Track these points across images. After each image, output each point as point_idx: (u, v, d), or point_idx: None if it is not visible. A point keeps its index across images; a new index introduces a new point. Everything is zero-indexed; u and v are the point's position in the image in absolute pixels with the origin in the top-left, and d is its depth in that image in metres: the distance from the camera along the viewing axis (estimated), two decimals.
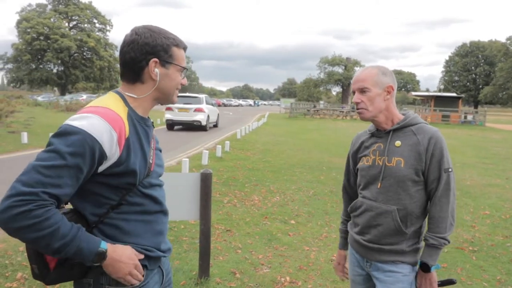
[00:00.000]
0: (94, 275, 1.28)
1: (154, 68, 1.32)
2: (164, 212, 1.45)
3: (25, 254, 4.00)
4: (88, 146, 1.15)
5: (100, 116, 1.19)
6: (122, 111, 1.27)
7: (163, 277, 1.49)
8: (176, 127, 17.93)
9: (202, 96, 18.65)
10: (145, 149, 1.32)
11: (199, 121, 17.13)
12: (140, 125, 1.33)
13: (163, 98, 1.40)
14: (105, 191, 1.26)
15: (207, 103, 18.31)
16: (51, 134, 1.20)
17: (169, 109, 17.28)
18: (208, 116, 17.76)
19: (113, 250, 1.23)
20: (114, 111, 1.24)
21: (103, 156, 1.18)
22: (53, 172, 1.11)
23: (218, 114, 20.31)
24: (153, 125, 1.44)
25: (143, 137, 1.33)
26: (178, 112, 17.14)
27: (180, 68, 1.39)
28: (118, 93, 1.35)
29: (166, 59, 1.34)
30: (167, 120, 17.43)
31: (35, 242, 1.14)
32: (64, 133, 1.16)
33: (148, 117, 1.41)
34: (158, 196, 1.39)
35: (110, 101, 1.29)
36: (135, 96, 1.34)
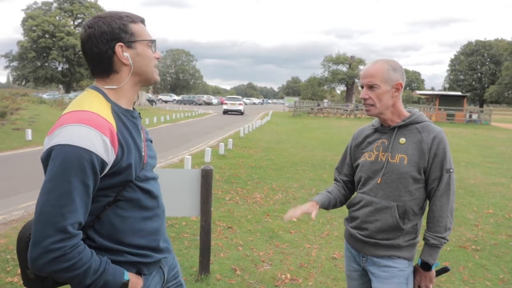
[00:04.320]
0: None
1: (123, 53, 1.25)
2: (160, 208, 1.41)
3: None
4: (86, 161, 1.11)
5: (86, 124, 1.13)
6: (105, 109, 1.21)
7: (165, 275, 1.46)
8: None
9: (240, 97, 37.84)
10: (137, 142, 1.28)
11: (240, 110, 32.57)
12: (127, 118, 1.28)
13: (144, 79, 1.32)
14: (102, 190, 1.22)
15: (242, 101, 34.92)
16: (42, 156, 1.15)
17: (225, 103, 33.29)
18: (243, 107, 33.64)
19: (133, 280, 1.27)
20: (97, 114, 1.17)
21: (103, 164, 1.15)
22: (65, 200, 1.08)
23: (244, 107, 35.00)
24: (139, 116, 1.38)
25: (133, 130, 1.28)
26: (230, 105, 32.60)
27: (147, 42, 1.30)
28: (97, 88, 1.27)
29: (129, 39, 1.26)
30: (224, 109, 32.59)
31: (69, 280, 1.16)
32: (57, 156, 1.10)
33: (133, 109, 1.35)
34: (153, 189, 1.36)
35: (91, 101, 1.22)
36: (115, 87, 1.28)
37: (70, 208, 1.09)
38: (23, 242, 1.24)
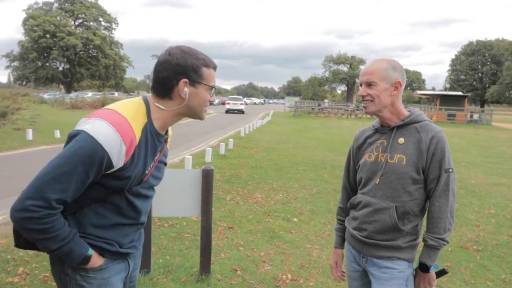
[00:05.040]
0: None
1: (184, 88, 1.40)
2: (140, 221, 1.51)
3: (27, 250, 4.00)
4: (97, 156, 1.25)
5: (114, 127, 1.28)
6: (138, 122, 1.36)
7: (130, 268, 1.56)
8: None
9: (242, 97, 42.01)
10: (147, 161, 1.41)
11: (242, 109, 34.79)
12: (152, 138, 1.41)
13: (189, 113, 1.48)
14: (96, 189, 1.34)
15: (243, 101, 37.87)
16: (71, 132, 1.31)
17: (227, 103, 35.73)
18: (244, 107, 35.99)
19: (95, 257, 1.38)
20: (129, 123, 1.32)
21: (110, 166, 1.29)
22: (64, 179, 1.23)
23: (245, 106, 37.40)
24: (166, 141, 1.52)
25: (150, 149, 1.41)
26: (233, 105, 34.93)
27: (209, 87, 1.45)
28: (146, 101, 1.43)
29: (195, 79, 1.41)
30: (227, 109, 34.91)
31: (38, 242, 1.31)
32: (80, 140, 1.26)
33: (166, 133, 1.49)
34: (139, 205, 1.46)
35: (132, 109, 1.37)
36: (163, 108, 1.42)
37: (63, 187, 1.23)
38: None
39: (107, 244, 1.42)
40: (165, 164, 1.58)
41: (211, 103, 1.53)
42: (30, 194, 1.22)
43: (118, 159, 1.29)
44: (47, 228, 1.25)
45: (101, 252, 1.42)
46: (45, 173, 1.23)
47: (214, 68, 1.48)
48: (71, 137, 1.29)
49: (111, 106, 1.38)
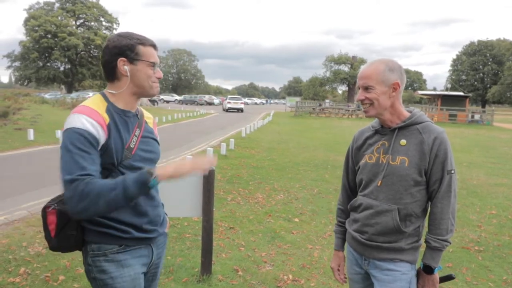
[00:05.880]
0: (85, 245, 1.56)
1: (123, 66, 1.55)
2: (149, 195, 1.60)
3: (29, 249, 4.01)
4: (81, 136, 1.45)
5: (82, 113, 1.49)
6: (100, 106, 1.55)
7: (153, 253, 1.67)
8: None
9: (240, 97, 43.54)
10: (121, 134, 1.55)
11: (242, 108, 37.32)
12: (118, 115, 1.57)
13: (140, 91, 1.61)
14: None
15: (242, 100, 40.27)
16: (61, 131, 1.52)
17: (228, 102, 38.28)
18: (244, 106, 38.51)
19: (160, 168, 1.48)
20: (92, 108, 1.52)
21: (94, 137, 1.46)
22: (72, 159, 1.41)
23: (244, 105, 40.04)
24: (137, 116, 1.66)
25: (121, 124, 1.57)
26: (233, 103, 37.47)
27: (149, 63, 1.58)
28: (102, 93, 1.63)
29: (133, 57, 1.55)
30: (227, 107, 37.49)
31: (105, 208, 1.42)
32: (65, 132, 1.47)
33: (131, 110, 1.63)
34: None
35: (92, 100, 1.57)
36: (114, 92, 1.60)
37: (78, 165, 1.41)
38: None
39: (123, 232, 1.54)
40: (155, 140, 1.72)
41: (159, 79, 1.64)
42: (63, 180, 1.40)
43: (97, 131, 1.46)
44: (87, 192, 1.37)
45: (120, 242, 1.55)
46: (62, 161, 1.43)
47: (152, 45, 1.60)
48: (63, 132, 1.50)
49: (78, 105, 1.56)
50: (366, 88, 1.69)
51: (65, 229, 1.53)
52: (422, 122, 1.71)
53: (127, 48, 1.55)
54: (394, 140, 1.71)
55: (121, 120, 1.58)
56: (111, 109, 1.56)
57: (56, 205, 1.53)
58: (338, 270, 1.99)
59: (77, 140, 1.43)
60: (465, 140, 16.21)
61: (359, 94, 1.73)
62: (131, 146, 1.57)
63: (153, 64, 1.58)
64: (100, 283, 1.55)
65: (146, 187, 1.42)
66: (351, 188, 1.94)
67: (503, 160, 11.15)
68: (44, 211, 1.55)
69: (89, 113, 1.50)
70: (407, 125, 1.71)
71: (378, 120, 1.79)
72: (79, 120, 1.46)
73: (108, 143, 1.50)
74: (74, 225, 1.53)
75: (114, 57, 1.55)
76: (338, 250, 1.99)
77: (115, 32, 58.96)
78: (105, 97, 1.60)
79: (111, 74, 1.58)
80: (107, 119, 1.52)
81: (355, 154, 1.88)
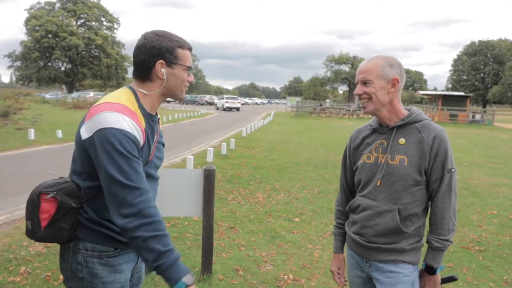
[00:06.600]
0: (75, 241, 1.45)
1: (161, 69, 1.47)
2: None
3: (29, 248, 4.01)
4: (130, 139, 1.36)
5: (123, 113, 1.37)
6: (136, 107, 1.45)
7: (138, 259, 1.60)
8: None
9: (238, 97, 49.66)
10: (150, 142, 1.49)
11: (238, 107, 40.08)
12: (147, 120, 1.49)
13: (170, 94, 1.55)
14: None
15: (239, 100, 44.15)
16: (86, 139, 1.39)
17: (226, 102, 40.38)
18: (240, 105, 41.55)
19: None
20: (130, 108, 1.41)
21: (139, 143, 1.39)
22: (130, 166, 1.34)
23: (241, 105, 43.73)
24: (158, 121, 1.60)
25: (149, 131, 1.49)
26: (231, 103, 39.90)
27: (185, 67, 1.52)
28: (132, 88, 1.51)
29: (171, 60, 1.48)
30: (226, 107, 39.44)
31: (144, 235, 1.33)
32: (108, 130, 1.33)
33: (156, 114, 1.57)
34: (150, 186, 1.48)
35: (125, 97, 1.46)
36: (146, 92, 1.50)
37: (140, 176, 1.37)
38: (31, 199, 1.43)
39: (118, 234, 1.45)
40: (163, 145, 1.65)
41: (191, 83, 1.60)
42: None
43: (140, 140, 1.40)
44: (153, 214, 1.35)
45: (116, 244, 1.47)
46: (118, 170, 1.34)
47: (189, 49, 1.54)
48: (91, 142, 1.35)
49: (102, 101, 1.43)
50: (365, 83, 1.66)
51: (59, 222, 1.40)
52: (421, 120, 1.68)
53: (167, 50, 1.47)
54: (393, 139, 1.67)
55: (149, 126, 1.49)
56: (142, 112, 1.47)
57: (55, 193, 1.39)
58: (338, 273, 1.94)
59: (128, 144, 1.34)
60: (466, 140, 16.18)
61: (357, 89, 1.69)
62: (150, 152, 1.51)
63: (188, 69, 1.53)
64: (88, 285, 1.44)
65: (173, 280, 1.32)
66: (349, 188, 1.91)
67: (504, 160, 11.13)
68: (39, 196, 1.39)
69: (130, 114, 1.40)
70: (406, 123, 1.67)
71: (376, 119, 1.76)
72: (124, 121, 1.36)
73: (141, 150, 1.42)
74: (71, 220, 1.42)
75: (152, 58, 1.46)
76: (338, 252, 1.95)
77: (116, 32, 59.08)
78: (136, 96, 1.49)
79: (145, 74, 1.49)
80: (143, 123, 1.44)
81: (352, 154, 1.84)
